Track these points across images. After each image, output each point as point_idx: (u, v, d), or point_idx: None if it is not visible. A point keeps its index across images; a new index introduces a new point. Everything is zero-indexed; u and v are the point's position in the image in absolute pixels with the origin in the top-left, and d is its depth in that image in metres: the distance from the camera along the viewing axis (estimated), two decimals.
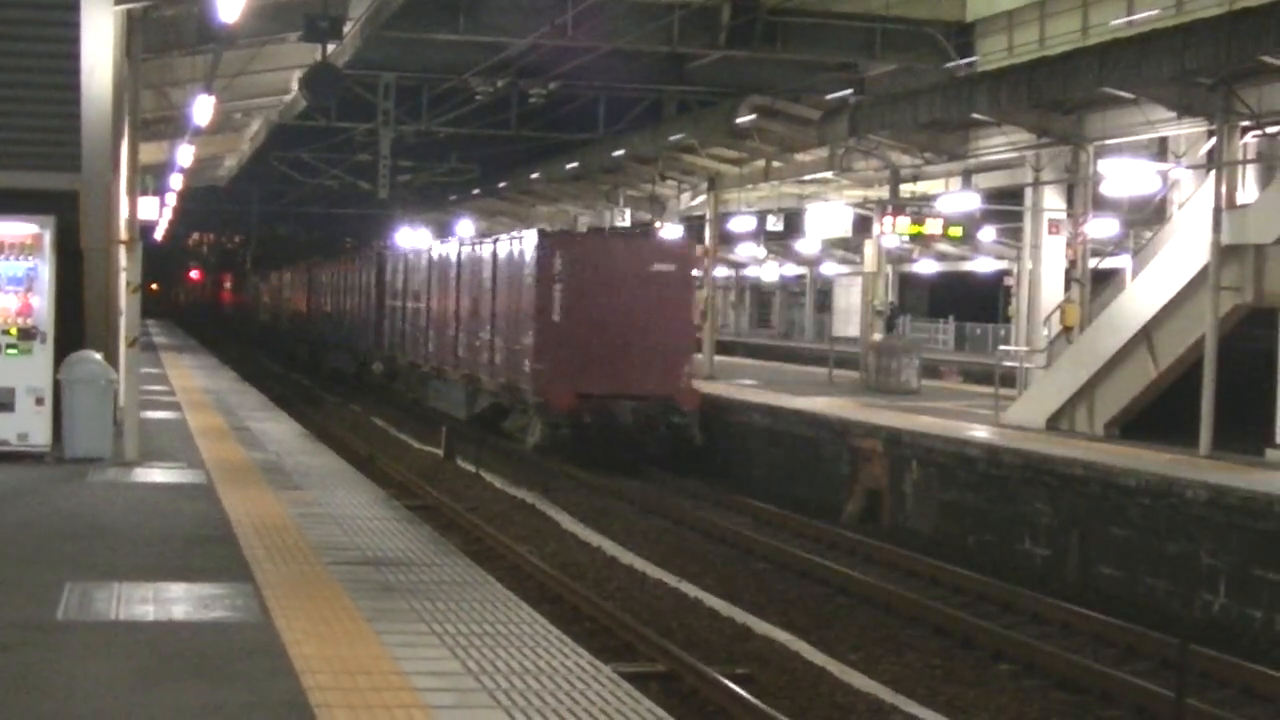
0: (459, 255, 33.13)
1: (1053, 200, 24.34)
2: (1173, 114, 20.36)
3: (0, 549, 11.11)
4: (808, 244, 55.56)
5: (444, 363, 33.29)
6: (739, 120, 30.03)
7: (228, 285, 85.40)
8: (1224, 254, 18.95)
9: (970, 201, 28.03)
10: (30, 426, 15.95)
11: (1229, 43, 17.62)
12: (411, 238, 50.01)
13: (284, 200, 70.25)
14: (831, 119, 27.67)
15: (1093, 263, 23.18)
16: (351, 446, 27.09)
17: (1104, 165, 22.61)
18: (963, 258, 55.32)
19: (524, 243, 28.21)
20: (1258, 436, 18.64)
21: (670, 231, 37.70)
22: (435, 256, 35.71)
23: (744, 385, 30.56)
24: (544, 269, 26.80)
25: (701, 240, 38.37)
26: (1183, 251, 19.88)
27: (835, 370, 34.21)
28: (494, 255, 29.93)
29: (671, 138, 33.98)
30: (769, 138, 31.08)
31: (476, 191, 54.40)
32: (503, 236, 30.63)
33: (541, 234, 28.43)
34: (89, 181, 16.29)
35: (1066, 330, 22.33)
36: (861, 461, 22.13)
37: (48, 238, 16.01)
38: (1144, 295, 20.50)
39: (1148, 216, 25.98)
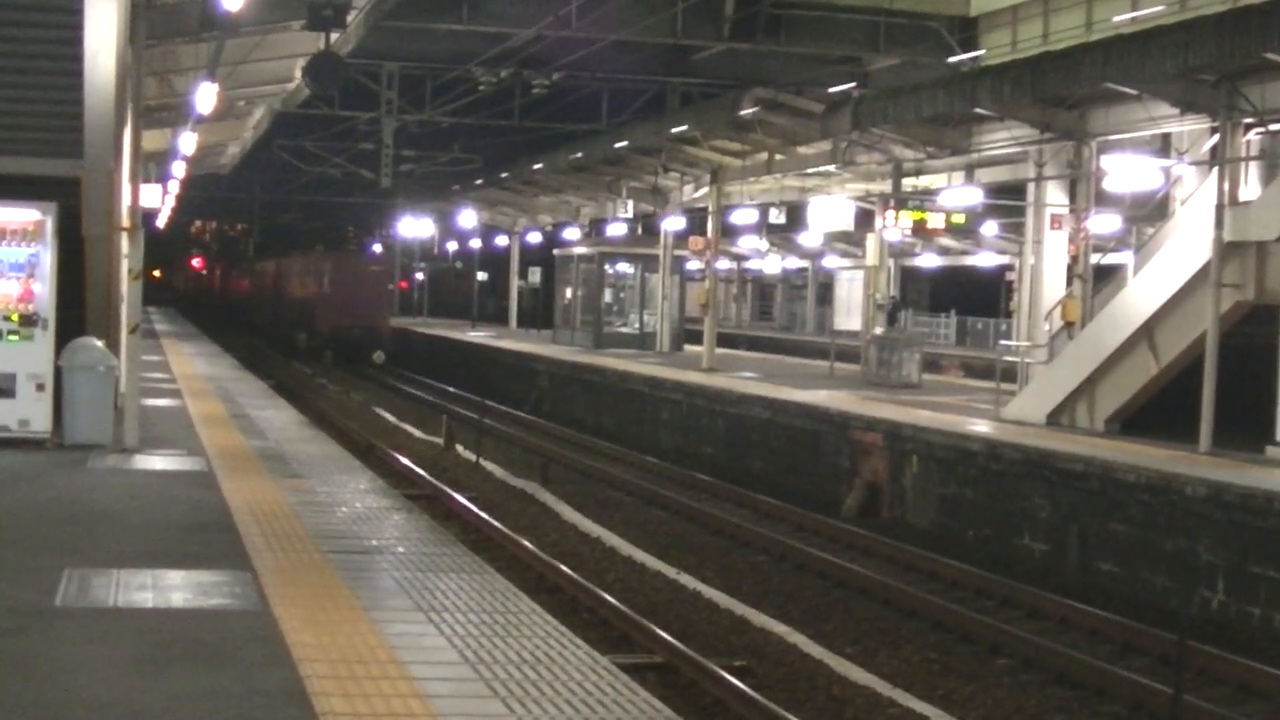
0: (300, 260, 58.61)
1: (1055, 196, 24.32)
2: (1175, 110, 20.34)
3: None
4: (810, 237, 55.57)
5: (295, 320, 55.40)
6: (742, 113, 30.00)
7: (217, 273, 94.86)
8: (1226, 251, 18.95)
9: (972, 196, 27.99)
10: (31, 412, 15.97)
11: (1232, 40, 17.61)
12: (294, 246, 70.26)
13: (286, 188, 70.31)
14: (834, 112, 27.66)
15: (1094, 258, 23.16)
16: (351, 435, 27.13)
17: (1106, 161, 22.59)
18: (965, 252, 55.29)
19: (312, 255, 57.99)
20: (1258, 434, 18.64)
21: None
22: (290, 260, 60.45)
23: (744, 378, 30.57)
24: (320, 268, 53.36)
25: (704, 231, 38.39)
26: (1184, 248, 19.87)
27: (836, 363, 34.22)
28: (304, 262, 57.20)
29: (674, 129, 33.94)
30: (772, 130, 31.04)
31: (479, 182, 54.40)
32: (310, 253, 59.65)
33: (318, 252, 59.17)
34: (91, 168, 16.29)
35: (1068, 326, 22.31)
36: (861, 455, 22.15)
37: (50, 224, 16.00)
38: (1145, 291, 20.50)
39: (1150, 213, 25.95)
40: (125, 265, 18.55)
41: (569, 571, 15.45)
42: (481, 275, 69.32)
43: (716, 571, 17.11)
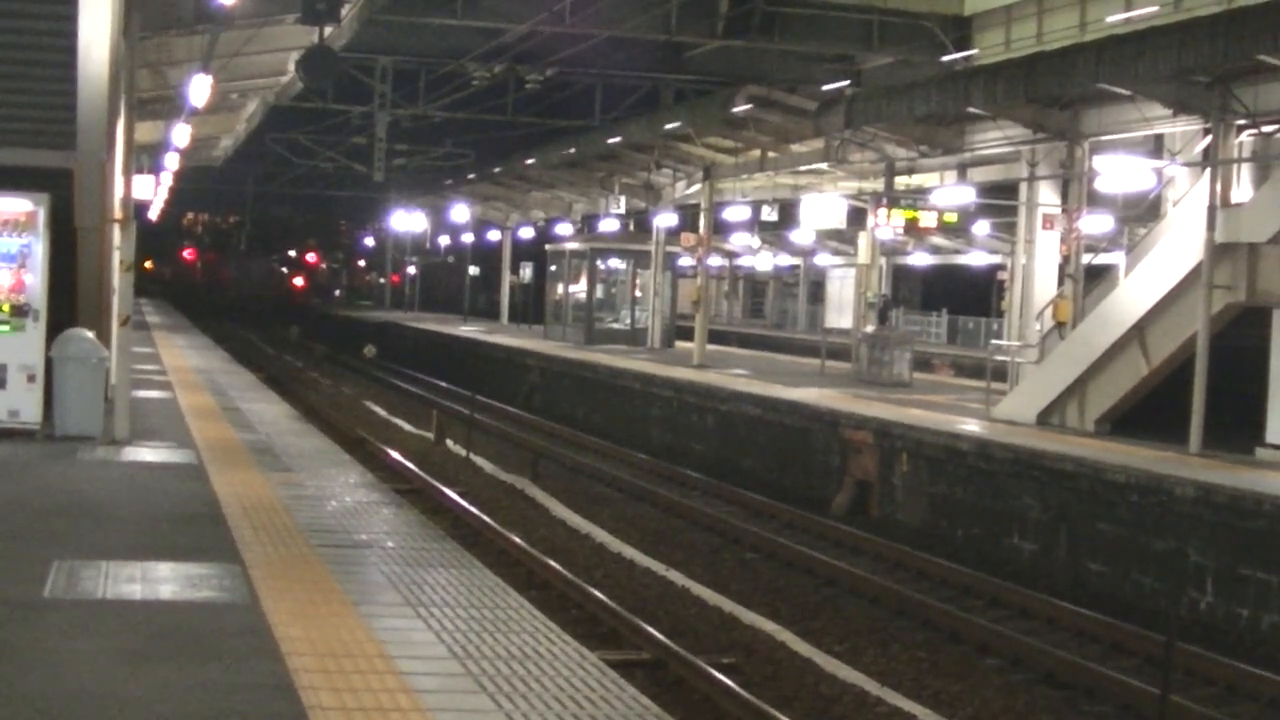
0: (227, 258, 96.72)
1: (1047, 195, 24.32)
2: (1168, 111, 20.35)
3: None
4: (802, 235, 55.42)
5: (222, 293, 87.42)
6: (735, 110, 30.00)
7: (198, 265, 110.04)
8: (1217, 252, 18.97)
9: (965, 195, 28.00)
10: (21, 404, 15.93)
11: (1226, 41, 17.62)
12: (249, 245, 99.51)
13: (279, 181, 70.31)
14: (828, 110, 27.64)
15: (1086, 258, 23.18)
16: (342, 429, 27.12)
17: (1099, 161, 22.60)
18: (956, 251, 55.29)
19: (227, 256, 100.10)
20: (1248, 435, 18.67)
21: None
22: (222, 257, 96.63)
23: (735, 375, 30.57)
24: (231, 263, 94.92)
25: (696, 227, 38.40)
26: (1176, 249, 19.90)
27: (827, 361, 34.20)
28: (228, 259, 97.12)
29: (667, 126, 33.93)
30: (765, 128, 31.03)
31: (472, 176, 54.37)
32: (226, 255, 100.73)
33: (229, 254, 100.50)
34: (84, 159, 16.27)
35: (1059, 325, 22.33)
36: (851, 453, 22.16)
37: (42, 215, 15.96)
38: (1137, 292, 20.52)
39: (1142, 213, 25.97)
40: (117, 257, 18.52)
41: (558, 567, 15.45)
42: (473, 270, 69.32)
43: (705, 568, 17.12)
